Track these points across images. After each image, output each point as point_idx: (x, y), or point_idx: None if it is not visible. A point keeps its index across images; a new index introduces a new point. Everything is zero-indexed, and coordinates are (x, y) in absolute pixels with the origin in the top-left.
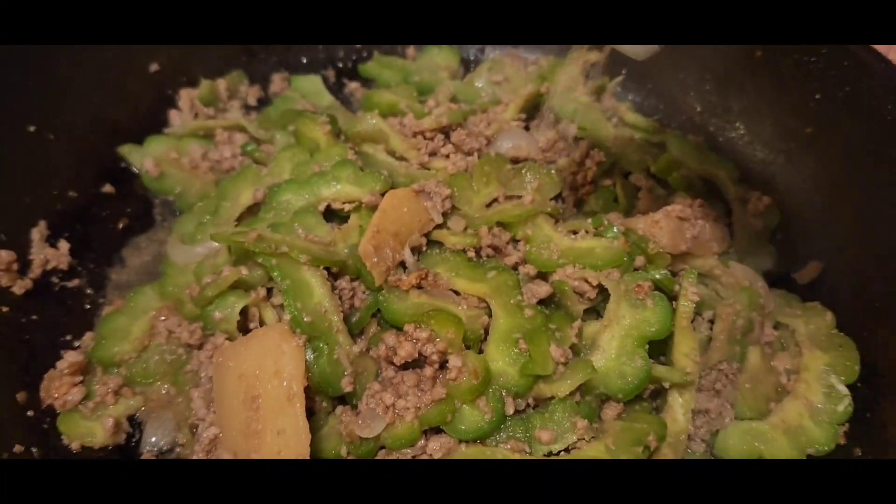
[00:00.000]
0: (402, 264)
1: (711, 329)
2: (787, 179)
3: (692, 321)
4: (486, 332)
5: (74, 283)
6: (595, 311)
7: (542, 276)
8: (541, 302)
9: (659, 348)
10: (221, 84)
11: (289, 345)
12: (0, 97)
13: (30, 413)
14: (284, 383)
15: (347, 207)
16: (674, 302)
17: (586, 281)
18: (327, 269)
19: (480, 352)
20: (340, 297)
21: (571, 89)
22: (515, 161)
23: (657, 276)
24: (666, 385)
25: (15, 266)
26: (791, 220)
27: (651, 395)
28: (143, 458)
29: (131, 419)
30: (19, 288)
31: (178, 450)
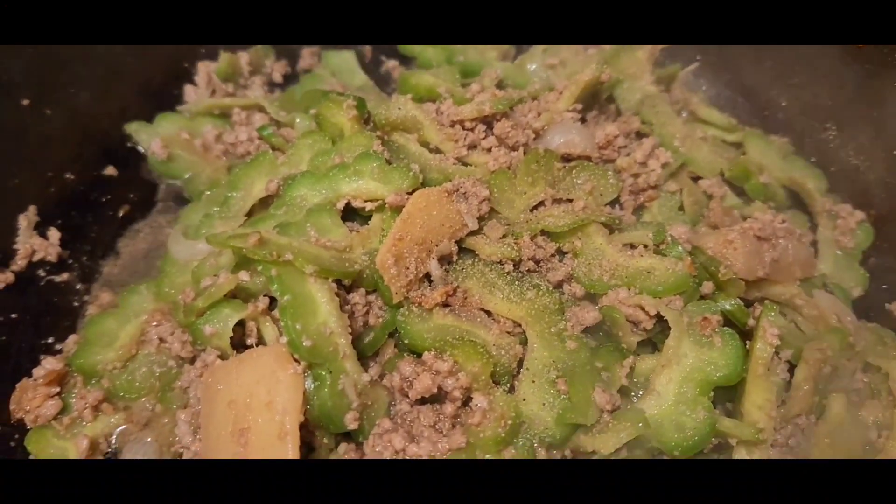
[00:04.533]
0: (428, 276)
1: (789, 371)
2: (884, 193)
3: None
4: (520, 363)
5: (63, 277)
6: (650, 342)
7: (591, 296)
8: (587, 330)
9: (724, 393)
10: (244, 58)
11: (285, 372)
12: None
13: None
14: (277, 417)
15: (369, 206)
16: (746, 341)
17: (642, 309)
18: (338, 281)
19: (511, 389)
20: (353, 314)
21: (637, 77)
22: (567, 159)
23: (728, 307)
24: (732, 441)
25: None
26: (887, 240)
27: (713, 450)
28: None
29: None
30: None
31: None
